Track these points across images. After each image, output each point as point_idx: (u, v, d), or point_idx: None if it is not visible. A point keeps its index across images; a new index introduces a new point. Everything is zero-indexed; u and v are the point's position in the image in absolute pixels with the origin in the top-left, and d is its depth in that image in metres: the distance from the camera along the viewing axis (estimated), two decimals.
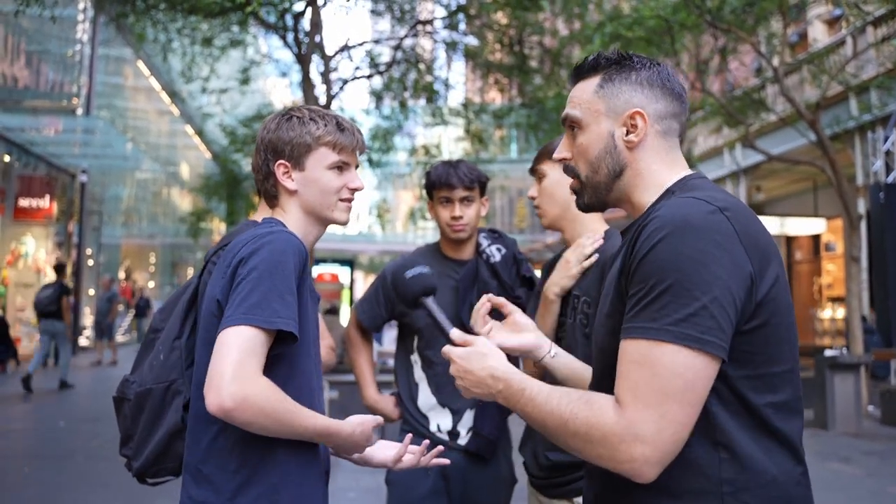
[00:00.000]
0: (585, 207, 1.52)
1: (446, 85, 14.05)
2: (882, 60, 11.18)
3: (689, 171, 1.46)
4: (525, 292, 2.86)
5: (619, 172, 1.45)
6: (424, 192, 3.00)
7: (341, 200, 1.86)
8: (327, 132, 1.83)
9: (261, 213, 2.86)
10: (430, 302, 1.76)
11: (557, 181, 2.28)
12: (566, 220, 2.31)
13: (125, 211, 25.28)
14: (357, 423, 1.72)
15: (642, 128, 1.42)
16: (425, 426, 2.82)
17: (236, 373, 1.49)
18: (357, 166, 1.92)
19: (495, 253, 2.88)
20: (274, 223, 1.78)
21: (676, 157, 1.47)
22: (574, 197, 1.54)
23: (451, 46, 13.54)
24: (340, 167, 1.85)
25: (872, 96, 11.34)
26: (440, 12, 13.00)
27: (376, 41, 13.51)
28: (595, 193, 1.49)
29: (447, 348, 1.54)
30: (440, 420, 2.81)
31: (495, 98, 17.50)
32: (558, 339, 2.29)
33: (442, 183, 2.82)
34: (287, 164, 1.82)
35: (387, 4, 13.18)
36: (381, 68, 12.99)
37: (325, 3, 11.27)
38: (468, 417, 2.80)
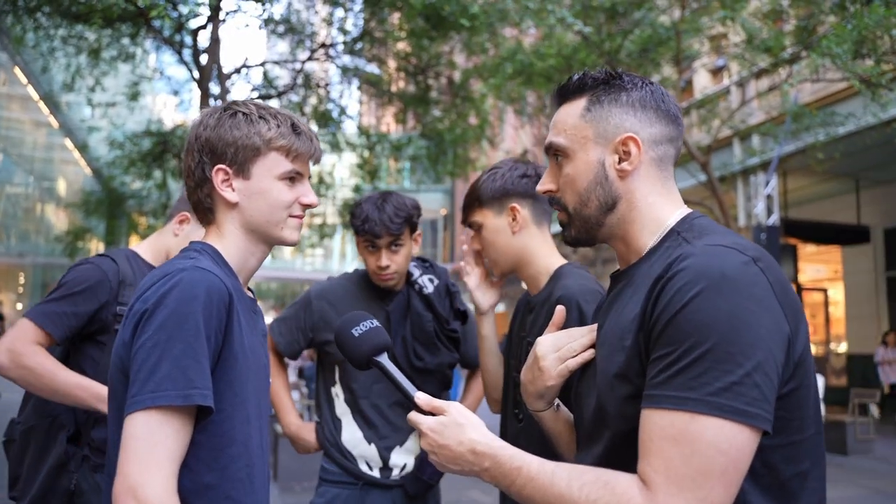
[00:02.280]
0: (573, 241, 1.36)
1: (344, 112, 13.84)
2: (767, 109, 11.85)
3: (684, 206, 1.32)
4: (459, 326, 2.72)
5: (611, 205, 1.29)
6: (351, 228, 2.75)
7: (291, 217, 1.54)
8: (281, 134, 1.51)
9: (147, 246, 2.64)
10: (384, 362, 1.47)
11: (497, 228, 2.12)
12: (518, 261, 2.14)
13: None
14: None
15: (636, 155, 1.27)
16: (353, 465, 2.61)
17: (145, 482, 1.24)
18: (310, 177, 1.61)
19: (428, 284, 2.71)
20: (193, 252, 1.48)
21: (672, 189, 1.33)
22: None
23: (352, 72, 13.39)
24: (293, 178, 1.53)
25: (755, 141, 11.98)
26: (341, 37, 12.83)
27: (276, 62, 13.20)
28: (584, 227, 1.33)
29: (415, 417, 1.31)
30: (368, 458, 2.61)
31: (390, 127, 17.41)
32: (517, 383, 2.14)
33: (366, 230, 2.57)
34: (228, 169, 1.49)
35: (287, 27, 12.92)
36: (280, 90, 12.68)
37: (224, 20, 10.89)
38: (397, 455, 2.62)
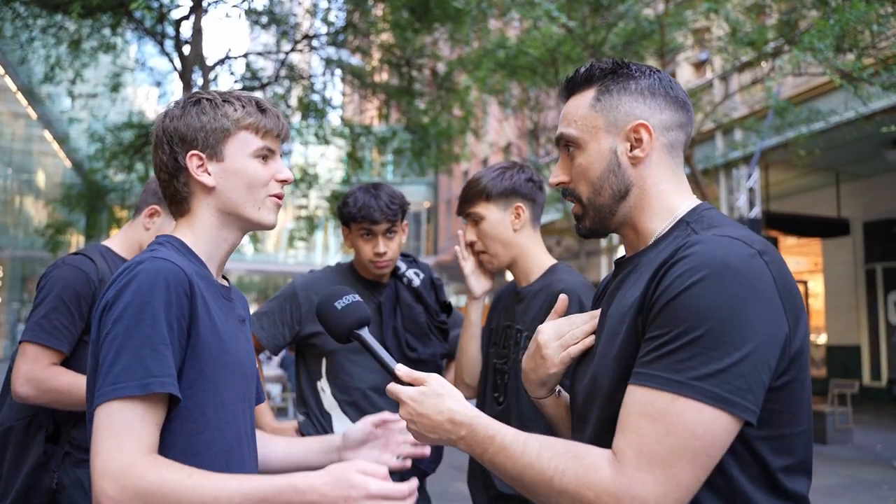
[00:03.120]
0: (588, 233, 1.37)
1: (329, 103, 13.77)
2: (750, 102, 11.93)
3: (694, 196, 1.34)
4: (445, 318, 2.75)
5: (624, 193, 1.31)
6: (338, 217, 2.74)
7: (269, 197, 1.56)
8: (247, 113, 1.53)
9: (119, 240, 2.61)
10: (366, 335, 1.52)
11: (498, 221, 2.23)
12: (513, 256, 2.26)
13: None
14: (339, 476, 1.26)
15: (648, 141, 1.29)
16: None
17: (112, 468, 1.24)
18: (282, 156, 1.62)
19: (415, 277, 2.72)
20: (155, 245, 1.49)
21: (682, 177, 1.34)
22: (576, 220, 1.38)
23: (335, 64, 13.33)
24: (265, 156, 1.55)
25: (737, 135, 12.07)
26: (325, 28, 12.77)
27: (259, 54, 13.11)
28: (598, 217, 1.34)
29: (394, 388, 1.36)
30: None
31: (373, 119, 17.37)
32: (499, 371, 2.21)
33: (363, 217, 2.56)
34: (201, 154, 1.51)
35: (270, 17, 12.83)
36: (263, 82, 12.60)
37: (206, 10, 10.80)
38: None
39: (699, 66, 15.76)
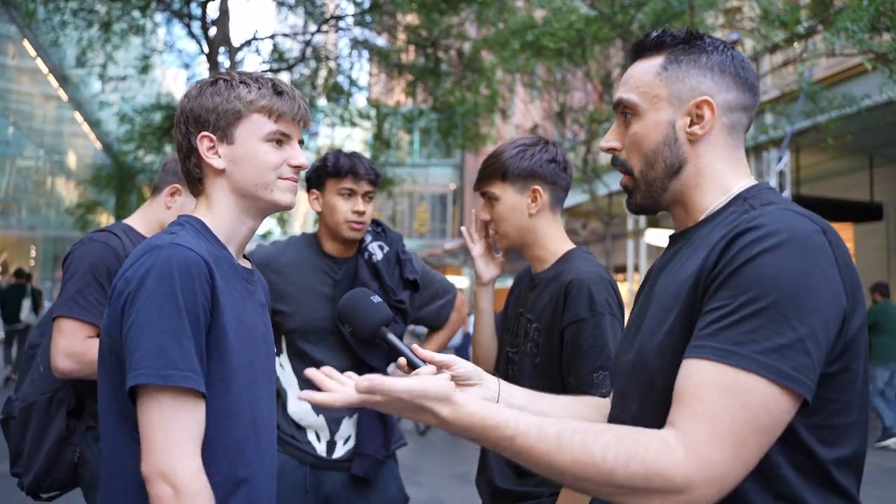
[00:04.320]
0: (638, 208, 1.32)
1: (356, 84, 13.78)
2: (781, 85, 11.72)
3: (751, 177, 1.28)
4: (409, 296, 2.60)
5: (677, 169, 1.25)
6: (307, 181, 2.60)
7: (281, 179, 1.52)
8: (261, 95, 1.49)
9: (139, 219, 2.61)
10: (391, 335, 1.51)
11: (513, 204, 2.10)
12: (526, 241, 2.13)
13: (3, 200, 23.63)
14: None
15: (709, 119, 1.23)
16: (300, 440, 2.48)
17: (168, 459, 1.31)
18: (301, 142, 1.58)
19: (377, 250, 2.58)
20: (176, 227, 1.49)
21: (741, 159, 1.28)
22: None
23: (361, 45, 13.31)
24: (279, 140, 1.51)
25: (768, 118, 11.88)
26: (351, 9, 12.76)
27: (285, 35, 13.14)
28: (649, 191, 1.28)
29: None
30: (317, 429, 2.48)
31: (400, 100, 17.34)
32: (510, 360, 2.15)
33: (346, 171, 2.47)
34: (212, 136, 1.49)
35: None
36: (290, 63, 12.64)
37: None
38: (346, 427, 2.49)
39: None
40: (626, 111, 1.30)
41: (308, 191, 2.59)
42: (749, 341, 1.01)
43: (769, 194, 1.21)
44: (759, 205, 1.17)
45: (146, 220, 2.59)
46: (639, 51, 1.31)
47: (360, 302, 1.55)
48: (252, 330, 1.52)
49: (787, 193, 11.32)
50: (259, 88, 1.50)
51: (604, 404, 1.52)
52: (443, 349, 2.79)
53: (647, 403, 1.17)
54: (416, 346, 1.42)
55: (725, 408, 1.00)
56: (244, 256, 1.65)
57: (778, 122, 11.36)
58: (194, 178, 1.54)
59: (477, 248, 2.27)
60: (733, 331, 1.03)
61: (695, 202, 1.27)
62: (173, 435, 1.31)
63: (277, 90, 1.52)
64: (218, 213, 1.52)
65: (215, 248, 1.49)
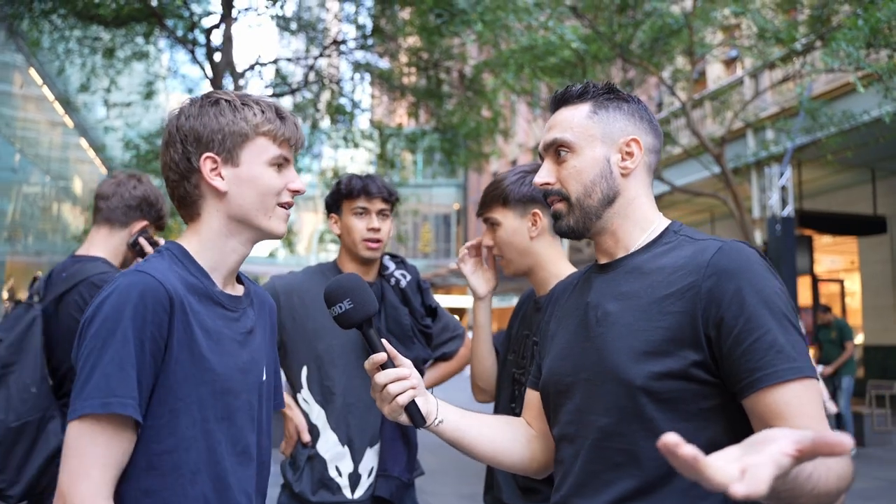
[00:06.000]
0: (567, 231, 1.45)
1: (358, 107, 13.88)
2: (780, 102, 11.76)
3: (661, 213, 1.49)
4: (430, 322, 2.70)
5: (611, 199, 1.42)
6: (325, 207, 2.68)
7: (280, 206, 1.52)
8: (267, 119, 1.49)
9: (92, 244, 2.61)
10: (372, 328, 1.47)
11: (515, 228, 2.18)
12: (529, 264, 2.20)
13: (10, 226, 23.75)
14: None
15: (638, 155, 1.42)
16: (322, 471, 2.46)
17: (73, 492, 1.29)
18: (295, 166, 1.58)
19: (401, 278, 2.66)
20: (156, 254, 1.48)
21: (653, 197, 1.48)
22: (554, 223, 1.47)
23: (363, 68, 13.42)
24: (280, 164, 1.51)
25: (769, 133, 11.91)
26: (353, 33, 12.88)
27: (288, 59, 13.25)
28: (584, 217, 1.43)
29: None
30: (339, 462, 2.47)
31: (402, 121, 17.44)
32: (517, 381, 2.18)
33: (358, 191, 2.55)
34: (216, 157, 1.46)
35: (299, 24, 12.97)
36: (293, 87, 12.74)
37: (236, 19, 10.95)
38: (369, 457, 2.48)
39: (729, 62, 15.57)
40: (560, 149, 1.44)
41: (328, 216, 2.69)
42: (794, 355, 1.20)
43: (691, 229, 1.42)
44: (695, 236, 1.38)
45: (115, 252, 2.66)
46: (563, 100, 1.48)
47: (362, 282, 1.49)
48: (223, 359, 1.46)
49: (789, 208, 11.34)
50: (263, 112, 1.50)
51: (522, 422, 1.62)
52: (443, 381, 2.86)
53: (623, 415, 1.28)
54: (384, 342, 1.45)
55: (819, 413, 1.21)
56: (240, 282, 1.63)
57: (778, 138, 11.40)
58: (190, 200, 1.50)
59: (467, 266, 2.35)
60: (777, 350, 1.21)
61: (625, 232, 1.43)
62: (83, 459, 1.30)
63: (280, 115, 1.52)
64: (207, 239, 1.50)
65: (191, 276, 1.46)
